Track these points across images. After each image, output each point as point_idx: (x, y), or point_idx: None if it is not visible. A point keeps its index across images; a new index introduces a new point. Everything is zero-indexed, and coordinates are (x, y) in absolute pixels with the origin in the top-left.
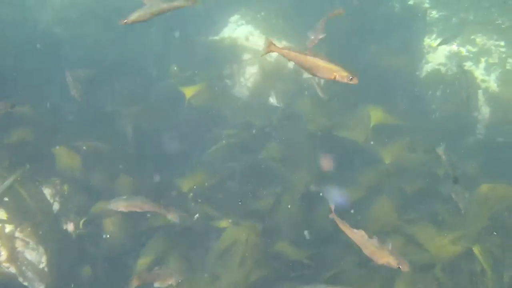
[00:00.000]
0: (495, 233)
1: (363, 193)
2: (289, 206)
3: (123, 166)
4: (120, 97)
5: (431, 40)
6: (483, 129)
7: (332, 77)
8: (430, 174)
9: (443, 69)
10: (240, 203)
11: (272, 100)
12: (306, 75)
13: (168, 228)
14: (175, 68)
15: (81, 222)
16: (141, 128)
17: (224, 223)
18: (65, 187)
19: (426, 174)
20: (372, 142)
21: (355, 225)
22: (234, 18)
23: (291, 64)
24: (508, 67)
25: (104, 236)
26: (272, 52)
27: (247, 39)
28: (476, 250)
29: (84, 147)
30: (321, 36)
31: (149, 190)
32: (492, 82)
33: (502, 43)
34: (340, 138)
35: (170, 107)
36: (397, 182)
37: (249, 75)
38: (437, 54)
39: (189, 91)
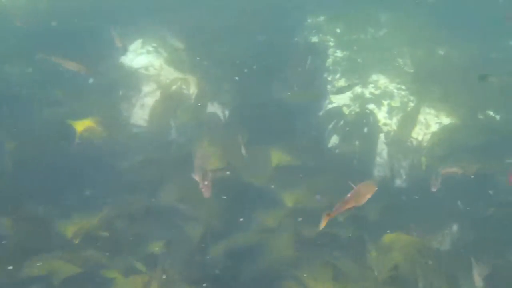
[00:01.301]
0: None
1: (260, 237)
2: (184, 249)
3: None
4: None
5: (335, 80)
6: (383, 172)
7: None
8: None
9: (346, 110)
10: (132, 247)
11: (172, 133)
12: (210, 109)
13: (50, 278)
14: (63, 95)
15: None
16: (23, 164)
17: (113, 273)
18: None
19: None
20: (273, 186)
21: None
22: (134, 46)
23: (192, 91)
24: (409, 110)
25: None
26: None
27: (147, 69)
28: None
29: None
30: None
31: (29, 233)
32: (394, 126)
33: (403, 87)
34: (240, 180)
35: (57, 139)
36: (298, 226)
37: (147, 106)
38: (341, 95)
39: (80, 125)
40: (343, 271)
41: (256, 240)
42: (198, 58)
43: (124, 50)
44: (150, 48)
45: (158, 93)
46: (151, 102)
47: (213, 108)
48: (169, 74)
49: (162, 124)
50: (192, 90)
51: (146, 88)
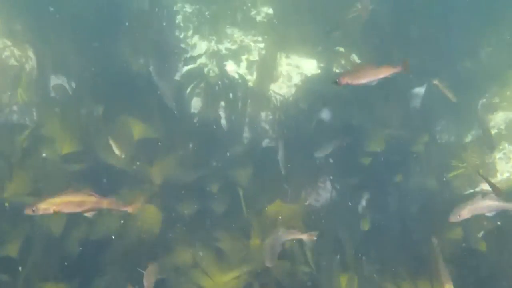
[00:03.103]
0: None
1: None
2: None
3: None
4: None
5: (188, 38)
6: (251, 133)
7: None
8: (205, 192)
9: (205, 69)
10: None
11: (17, 113)
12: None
13: None
14: None
15: None
16: None
17: None
18: None
19: (200, 192)
20: (138, 163)
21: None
22: None
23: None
24: (267, 63)
25: None
26: None
27: None
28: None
29: None
30: None
31: None
32: (255, 82)
33: (260, 38)
34: (102, 161)
35: None
36: (169, 203)
37: None
38: (196, 53)
39: None
40: (226, 253)
41: (122, 225)
42: (35, 24)
43: None
44: None
45: None
46: None
47: (58, 80)
48: (2, 45)
49: (1, 105)
50: (32, 62)
51: None
